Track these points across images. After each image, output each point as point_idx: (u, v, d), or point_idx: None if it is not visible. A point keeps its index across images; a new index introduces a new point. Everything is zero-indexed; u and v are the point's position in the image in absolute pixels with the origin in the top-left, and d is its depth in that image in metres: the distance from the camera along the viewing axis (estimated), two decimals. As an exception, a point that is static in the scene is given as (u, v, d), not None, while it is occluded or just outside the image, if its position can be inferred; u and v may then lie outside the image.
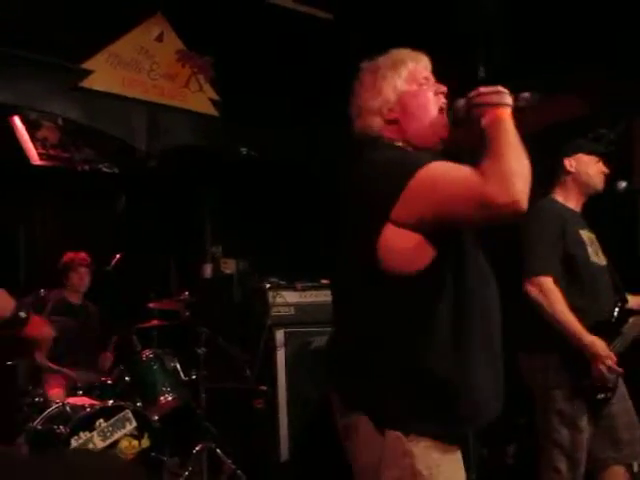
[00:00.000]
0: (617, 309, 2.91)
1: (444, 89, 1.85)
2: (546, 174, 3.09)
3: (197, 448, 4.25)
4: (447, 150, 1.81)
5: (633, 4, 3.88)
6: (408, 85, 1.82)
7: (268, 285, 4.59)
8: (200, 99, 4.80)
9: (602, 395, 2.78)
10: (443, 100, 1.83)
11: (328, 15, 4.58)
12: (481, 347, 1.68)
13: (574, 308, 2.76)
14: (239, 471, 4.23)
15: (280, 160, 5.02)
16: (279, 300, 4.54)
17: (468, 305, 1.67)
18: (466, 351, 1.66)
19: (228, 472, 4.26)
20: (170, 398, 4.16)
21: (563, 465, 2.80)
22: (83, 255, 4.43)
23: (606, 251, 3.05)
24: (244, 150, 4.71)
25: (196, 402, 4.32)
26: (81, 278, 4.43)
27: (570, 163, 3.02)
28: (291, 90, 4.78)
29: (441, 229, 1.64)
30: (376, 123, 1.82)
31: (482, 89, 1.72)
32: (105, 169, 4.67)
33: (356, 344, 1.73)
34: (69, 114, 4.41)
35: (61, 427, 3.49)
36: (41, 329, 2.87)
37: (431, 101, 1.82)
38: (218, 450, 4.29)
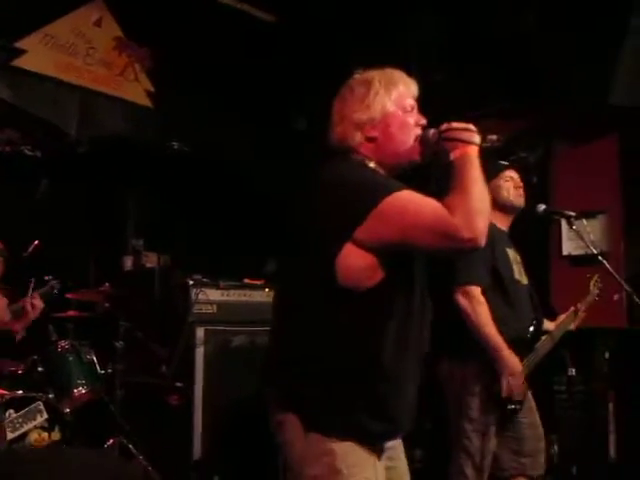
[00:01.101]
0: (533, 326, 3.09)
1: (424, 122, 1.89)
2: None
3: (108, 443, 4.18)
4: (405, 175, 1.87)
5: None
6: (395, 108, 1.85)
7: (191, 282, 4.56)
8: (135, 89, 4.72)
9: (512, 406, 2.93)
10: (420, 131, 1.87)
11: (271, 17, 4.62)
12: (411, 364, 1.81)
13: (496, 318, 2.90)
14: (150, 468, 4.19)
15: (210, 157, 4.99)
16: (201, 297, 4.51)
17: (409, 324, 1.78)
18: (401, 368, 1.77)
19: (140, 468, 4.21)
20: (84, 391, 4.06)
21: (470, 471, 2.93)
22: None
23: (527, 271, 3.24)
24: (175, 144, 4.66)
25: (111, 396, 4.24)
26: None
27: (493, 186, 3.16)
28: (227, 87, 4.78)
29: (397, 253, 1.72)
30: (356, 137, 1.85)
31: (454, 124, 1.80)
32: (28, 152, 4.51)
33: (299, 351, 1.80)
34: (-1, 92, 4.26)
35: (-31, 417, 3.37)
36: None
37: (411, 129, 1.85)
38: (130, 446, 4.22)
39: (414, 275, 1.81)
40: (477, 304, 2.89)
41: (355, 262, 1.70)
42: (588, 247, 3.35)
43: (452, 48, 4.57)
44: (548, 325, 3.24)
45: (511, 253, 3.14)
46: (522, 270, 3.19)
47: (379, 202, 1.67)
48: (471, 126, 1.80)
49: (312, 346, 1.78)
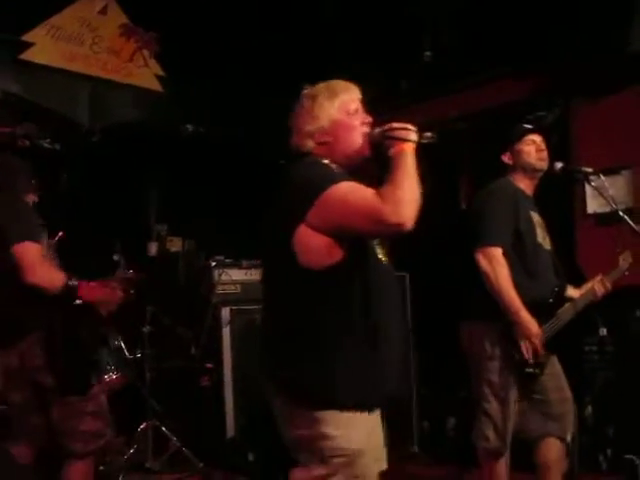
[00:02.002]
0: (554, 292, 3.04)
1: (369, 120, 2.12)
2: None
3: (142, 426, 4.26)
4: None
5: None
6: (340, 114, 2.10)
7: (214, 263, 4.59)
8: (145, 74, 4.71)
9: (530, 370, 2.90)
10: (366, 129, 2.10)
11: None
12: (391, 333, 1.99)
13: (515, 281, 2.88)
14: (184, 448, 4.26)
15: (225, 138, 4.99)
16: (225, 278, 4.55)
17: (379, 296, 1.97)
18: (377, 337, 1.95)
19: (173, 449, 4.28)
20: (114, 376, 4.13)
21: (491, 433, 2.95)
22: None
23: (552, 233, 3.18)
24: (189, 127, 4.66)
25: (141, 381, 4.31)
26: None
27: (508, 157, 3.15)
28: (238, 67, 4.75)
29: (346, 235, 1.95)
30: (309, 144, 2.11)
31: (394, 124, 2.02)
32: (47, 145, 4.54)
33: (279, 330, 2.03)
34: (8, 87, 4.27)
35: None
36: (95, 291, 2.93)
37: (357, 129, 2.09)
38: (163, 428, 4.30)
39: (369, 256, 2.01)
40: (497, 265, 2.87)
41: (312, 243, 1.94)
42: (610, 204, 3.27)
43: (462, 10, 4.46)
44: (572, 292, 3.18)
45: (535, 217, 3.09)
46: (546, 235, 3.14)
47: (325, 190, 1.92)
48: (409, 126, 2.01)
49: (288, 324, 2.01)
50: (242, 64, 4.72)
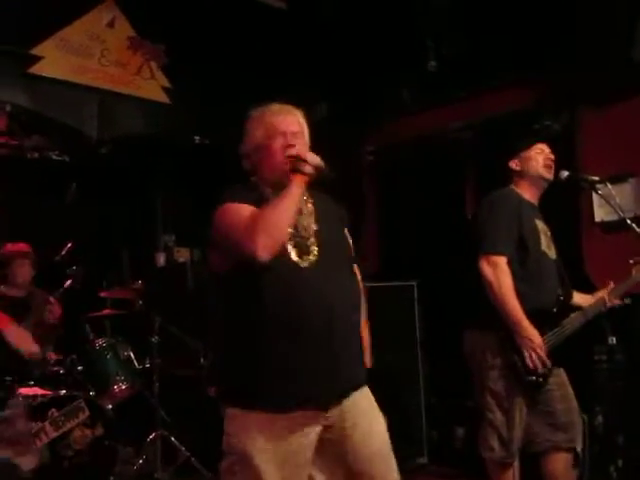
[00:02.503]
0: (560, 301, 3.03)
1: (292, 144, 2.18)
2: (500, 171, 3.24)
3: (151, 436, 4.26)
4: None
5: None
6: (264, 139, 2.21)
7: (222, 273, 4.60)
8: (152, 87, 4.74)
9: (532, 378, 2.88)
10: (292, 152, 2.16)
11: (281, 4, 4.59)
12: (313, 334, 2.02)
13: (518, 289, 2.86)
14: (193, 458, 4.26)
15: (233, 148, 5.00)
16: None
17: (273, 301, 2.03)
18: (291, 340, 2.01)
19: (182, 460, 4.28)
20: (124, 387, 4.16)
21: (496, 443, 2.92)
22: (21, 246, 4.15)
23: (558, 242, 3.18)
24: (197, 138, 4.69)
25: (150, 391, 4.32)
26: (20, 271, 4.11)
27: (515, 163, 3.15)
28: (244, 78, 4.77)
29: (226, 252, 2.09)
30: (245, 164, 2.29)
31: (295, 154, 2.12)
32: (55, 157, 4.59)
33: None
34: (18, 100, 4.32)
35: (13, 417, 3.47)
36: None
37: (277, 152, 2.17)
38: (172, 438, 4.30)
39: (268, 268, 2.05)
40: (501, 273, 2.86)
41: (213, 249, 2.15)
42: (617, 212, 3.26)
43: (467, 19, 4.47)
44: (579, 299, 3.17)
45: (540, 225, 3.08)
46: (551, 244, 3.12)
47: (219, 205, 2.11)
48: (308, 158, 2.09)
49: (213, 328, 2.41)
50: (248, 77, 4.74)
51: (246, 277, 2.04)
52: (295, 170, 2.09)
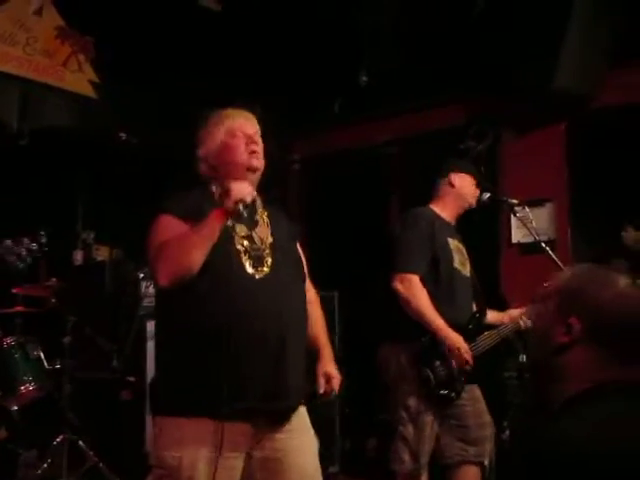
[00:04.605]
0: (475, 318, 3.12)
1: (253, 145, 2.23)
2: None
3: (57, 440, 4.12)
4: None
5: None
6: (228, 137, 2.22)
7: (142, 274, 4.50)
8: (79, 79, 4.59)
9: (444, 392, 2.96)
10: (252, 149, 2.22)
11: (217, 6, 4.55)
12: (234, 349, 1.99)
13: (434, 306, 2.95)
14: (101, 464, 4.14)
15: (158, 148, 4.92)
16: (152, 290, 4.47)
17: (208, 309, 2.03)
18: (204, 348, 2.01)
19: (90, 464, 4.16)
20: (31, 387, 4.00)
21: (406, 456, 3.00)
22: None
23: (471, 254, 3.27)
24: (123, 135, 4.58)
25: (60, 392, 4.18)
26: None
27: (455, 179, 3.24)
28: (174, 77, 4.70)
29: None
30: (202, 168, 2.27)
31: (226, 186, 2.06)
32: (-31, 146, 4.38)
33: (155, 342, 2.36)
34: None
35: None
36: None
37: (240, 152, 2.21)
38: (80, 442, 4.18)
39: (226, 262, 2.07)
40: (415, 289, 2.94)
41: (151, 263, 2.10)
42: (533, 235, 3.39)
43: (401, 36, 4.55)
44: (494, 317, 3.27)
45: (453, 243, 3.17)
46: (466, 261, 3.22)
47: (157, 211, 2.14)
48: (233, 193, 2.01)
49: (156, 339, 2.33)
50: (178, 74, 4.67)
51: (196, 288, 2.03)
52: (221, 205, 2.05)
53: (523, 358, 4.27)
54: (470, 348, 3.00)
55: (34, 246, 2.68)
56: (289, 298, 2.13)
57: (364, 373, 4.83)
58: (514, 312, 3.30)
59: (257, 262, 2.09)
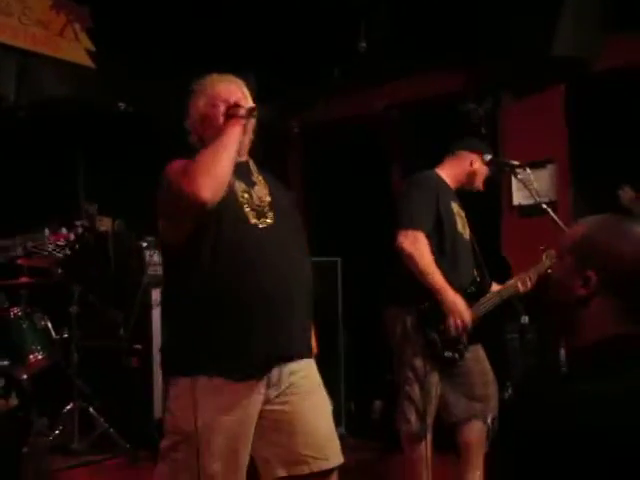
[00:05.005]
0: (476, 282, 3.15)
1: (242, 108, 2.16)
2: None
3: (68, 407, 4.20)
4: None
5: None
6: (207, 108, 2.19)
7: (145, 244, 4.54)
8: (75, 49, 4.54)
9: (449, 354, 3.01)
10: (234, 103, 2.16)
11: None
12: (243, 302, 2.02)
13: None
14: (111, 429, 4.22)
15: (158, 115, 4.89)
16: (156, 259, 4.51)
17: (221, 269, 2.02)
18: (219, 308, 2.02)
19: (100, 431, 4.24)
20: (40, 357, 4.06)
21: (413, 417, 3.03)
22: None
23: (472, 218, 3.30)
24: (122, 105, 4.56)
25: (68, 361, 4.25)
26: None
27: (474, 160, 3.25)
28: (171, 46, 4.66)
29: (178, 217, 2.04)
30: (192, 138, 2.25)
31: (232, 102, 2.13)
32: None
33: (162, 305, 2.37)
34: None
35: None
36: None
37: (221, 120, 2.13)
38: (90, 409, 4.25)
39: (224, 236, 2.06)
40: (420, 245, 2.94)
41: (162, 222, 2.10)
42: (534, 196, 3.40)
43: (400, 2, 4.50)
44: (495, 287, 3.29)
45: (455, 207, 3.19)
46: (466, 225, 3.23)
47: (163, 173, 2.07)
48: (242, 103, 2.12)
49: (163, 302, 2.39)
50: (175, 42, 4.62)
51: (203, 242, 2.02)
52: (229, 116, 2.09)
53: (525, 320, 4.32)
54: (472, 310, 3.03)
55: (71, 237, 2.61)
56: (293, 248, 2.16)
57: (367, 337, 4.91)
58: (512, 280, 3.31)
59: (260, 214, 2.12)
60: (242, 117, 2.09)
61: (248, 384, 2.01)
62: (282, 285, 2.07)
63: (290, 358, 2.11)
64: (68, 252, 2.57)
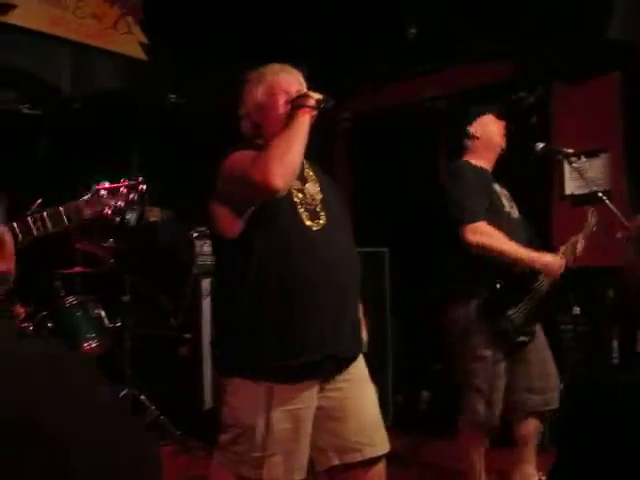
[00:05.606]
0: None
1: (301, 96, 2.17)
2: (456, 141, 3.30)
3: (121, 394, 4.27)
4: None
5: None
6: (266, 97, 2.20)
7: (195, 234, 4.60)
8: (128, 42, 4.62)
9: (523, 338, 2.97)
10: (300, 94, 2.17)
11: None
12: (323, 294, 2.04)
13: None
14: (162, 417, 4.29)
15: (207, 109, 4.94)
16: (206, 249, 4.56)
17: (276, 267, 2.03)
18: (295, 306, 2.02)
19: (151, 418, 4.30)
20: (94, 344, 4.15)
21: (481, 407, 2.96)
22: None
23: (523, 207, 3.25)
24: (172, 97, 4.62)
25: (120, 349, 4.32)
26: None
27: (475, 129, 3.19)
28: (222, 38, 4.70)
29: (236, 202, 2.05)
30: (245, 126, 2.26)
31: (298, 94, 2.15)
32: (26, 111, 4.47)
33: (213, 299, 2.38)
34: (-12, 50, 4.19)
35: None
36: None
37: (281, 109, 2.17)
38: (142, 396, 4.32)
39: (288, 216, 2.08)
40: (490, 233, 2.92)
41: (217, 214, 2.09)
42: (589, 185, 3.34)
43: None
44: None
45: (498, 188, 3.15)
46: (513, 204, 3.20)
47: (223, 161, 2.07)
48: (310, 93, 2.12)
49: (214, 293, 2.44)
50: (227, 35, 4.66)
51: (258, 238, 2.03)
52: (298, 106, 2.09)
53: (577, 310, 4.26)
54: (535, 289, 3.01)
55: (132, 196, 2.22)
56: (346, 250, 2.18)
57: (415, 328, 4.88)
58: (562, 248, 3.24)
59: (313, 215, 2.12)
60: (311, 107, 2.08)
61: (304, 382, 2.05)
62: (337, 286, 2.09)
63: (347, 360, 2.15)
64: (131, 217, 2.38)
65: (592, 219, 3.22)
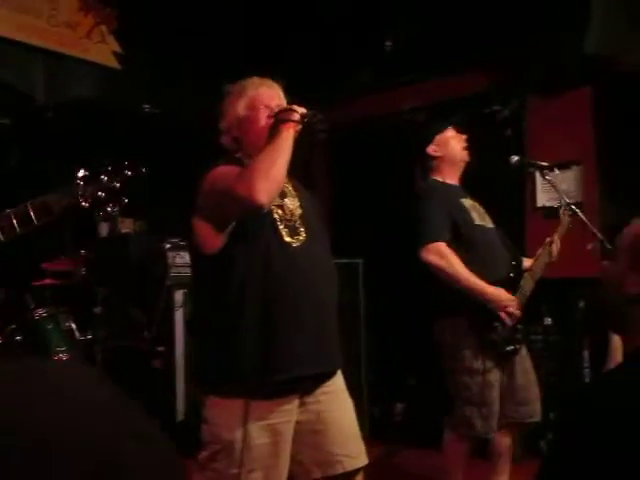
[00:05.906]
0: (514, 265, 3.12)
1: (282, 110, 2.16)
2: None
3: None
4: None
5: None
6: (247, 111, 2.20)
7: (168, 245, 4.56)
8: (102, 51, 4.58)
9: (511, 347, 2.97)
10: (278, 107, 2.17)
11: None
12: (302, 311, 2.04)
13: (469, 269, 2.92)
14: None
15: (180, 119, 4.92)
16: (179, 260, 4.52)
17: (257, 284, 2.01)
18: (273, 321, 2.00)
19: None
20: (64, 358, 4.07)
21: (478, 421, 2.94)
22: None
23: (497, 219, 3.27)
24: (146, 107, 4.59)
25: (92, 362, 4.25)
26: None
27: (434, 149, 3.19)
28: (196, 47, 4.68)
29: (218, 218, 2.02)
30: (225, 139, 2.26)
31: (281, 107, 2.14)
32: (-1, 119, 4.40)
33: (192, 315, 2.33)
34: (-42, 59, 4.12)
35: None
36: None
37: (263, 123, 2.16)
38: (113, 410, 4.25)
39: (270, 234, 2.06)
40: (447, 255, 2.91)
41: (199, 230, 2.06)
42: (562, 197, 3.38)
43: (426, 2, 4.51)
44: (526, 263, 3.26)
45: (466, 202, 3.15)
46: (485, 215, 3.19)
47: (204, 177, 2.05)
48: (294, 107, 2.09)
49: (194, 308, 2.36)
50: (202, 45, 4.65)
51: (239, 254, 2.01)
52: (282, 120, 2.06)
53: (548, 321, 4.30)
54: (516, 295, 3.00)
55: (114, 185, 2.09)
56: (325, 266, 2.17)
57: (388, 339, 4.89)
58: (538, 251, 3.26)
59: (292, 231, 2.10)
60: (296, 122, 2.06)
61: (284, 398, 2.03)
62: (317, 302, 2.09)
63: (327, 375, 2.14)
64: (114, 210, 2.22)
65: (565, 218, 3.24)
